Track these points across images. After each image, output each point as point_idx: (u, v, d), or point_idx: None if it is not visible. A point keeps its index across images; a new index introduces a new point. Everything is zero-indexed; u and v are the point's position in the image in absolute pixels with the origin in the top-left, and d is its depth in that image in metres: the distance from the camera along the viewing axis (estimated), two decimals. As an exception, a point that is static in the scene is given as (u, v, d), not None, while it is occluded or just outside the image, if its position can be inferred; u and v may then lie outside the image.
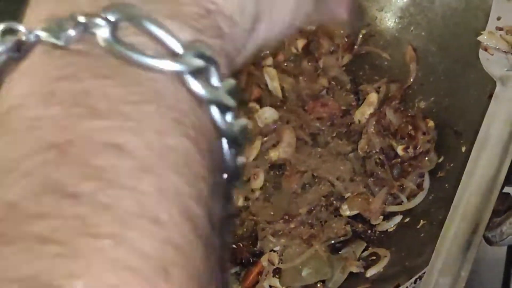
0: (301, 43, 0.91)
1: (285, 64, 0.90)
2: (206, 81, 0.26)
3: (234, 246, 0.75)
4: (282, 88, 0.89)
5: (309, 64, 0.90)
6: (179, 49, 0.25)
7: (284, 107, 0.87)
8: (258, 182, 0.80)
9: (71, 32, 0.25)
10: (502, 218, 0.60)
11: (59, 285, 0.20)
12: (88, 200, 0.22)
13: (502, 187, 0.63)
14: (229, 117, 0.27)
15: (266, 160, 0.81)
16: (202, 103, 0.26)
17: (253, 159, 0.81)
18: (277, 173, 0.81)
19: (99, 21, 0.25)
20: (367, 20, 0.92)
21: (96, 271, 0.21)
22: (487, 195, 0.62)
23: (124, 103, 0.24)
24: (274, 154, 0.82)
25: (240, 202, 0.79)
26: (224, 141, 0.27)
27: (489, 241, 0.61)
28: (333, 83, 0.89)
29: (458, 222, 0.61)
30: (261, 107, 0.87)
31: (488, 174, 0.63)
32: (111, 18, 0.25)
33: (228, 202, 0.27)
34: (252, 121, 0.85)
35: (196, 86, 0.26)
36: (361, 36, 0.91)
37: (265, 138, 0.83)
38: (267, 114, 0.86)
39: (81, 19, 0.25)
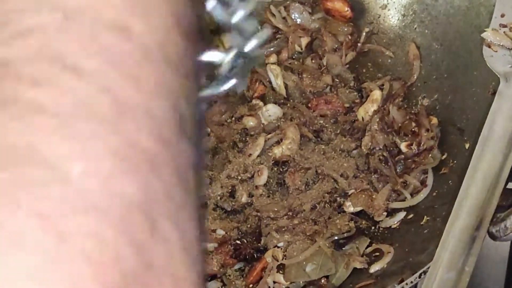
0: (305, 41, 0.92)
1: (289, 62, 0.90)
2: None
3: (238, 242, 0.76)
4: (286, 86, 0.89)
5: (313, 61, 0.90)
6: None
7: (288, 104, 0.87)
8: (262, 178, 0.80)
9: None
10: (506, 213, 0.60)
11: (55, 164, 0.20)
12: (89, 79, 0.21)
13: (506, 183, 0.63)
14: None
15: (270, 157, 0.82)
16: None
17: (257, 156, 0.82)
18: (281, 169, 0.82)
19: None
20: (370, 18, 0.92)
21: (93, 156, 0.20)
22: (491, 191, 0.62)
23: None
24: (278, 151, 0.82)
25: (244, 199, 0.80)
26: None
27: (493, 236, 0.61)
28: (337, 80, 0.89)
29: (463, 217, 0.62)
30: (265, 104, 0.87)
31: (492, 170, 0.63)
32: None
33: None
34: (256, 118, 0.85)
35: None
36: (364, 34, 0.91)
37: (268, 135, 0.84)
38: (271, 111, 0.86)
39: None
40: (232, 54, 0.28)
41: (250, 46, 0.29)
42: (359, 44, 0.91)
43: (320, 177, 0.80)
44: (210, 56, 0.28)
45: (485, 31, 0.73)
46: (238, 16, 0.28)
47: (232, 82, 0.29)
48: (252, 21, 0.29)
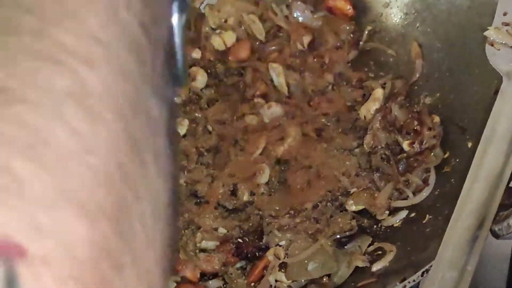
0: (306, 39, 0.91)
1: (291, 60, 0.90)
2: None
3: (240, 240, 0.76)
4: (288, 84, 0.89)
5: (315, 60, 0.90)
6: None
7: (290, 103, 0.87)
8: (263, 177, 0.80)
9: None
10: (509, 212, 0.60)
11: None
12: (8, 3, 0.22)
13: (508, 182, 0.63)
14: None
15: (271, 155, 0.82)
16: None
17: (259, 154, 0.82)
18: (283, 168, 0.81)
19: None
20: (373, 16, 0.92)
21: (17, 61, 0.22)
22: (494, 190, 0.62)
23: None
24: (279, 149, 0.82)
25: (246, 197, 0.79)
26: None
27: (495, 235, 0.61)
28: (339, 79, 0.89)
29: (465, 216, 0.62)
30: (266, 102, 0.87)
31: (494, 169, 0.63)
32: None
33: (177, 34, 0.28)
34: (258, 116, 0.85)
35: None
36: (366, 32, 0.91)
37: (270, 134, 0.83)
38: (273, 110, 0.86)
39: None
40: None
41: None
42: (361, 43, 0.91)
43: (322, 175, 0.79)
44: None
45: (487, 29, 0.73)
46: None
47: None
48: None
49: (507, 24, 0.71)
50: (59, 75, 0.22)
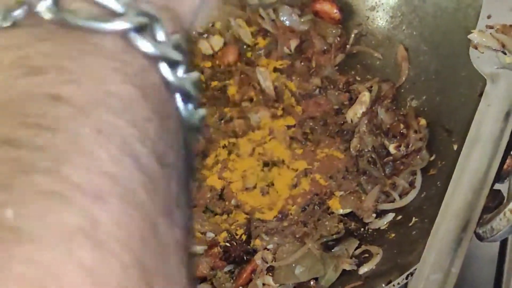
0: (293, 43, 0.92)
1: (278, 64, 0.90)
2: (151, 38, 0.27)
3: (227, 244, 0.76)
4: (275, 88, 0.89)
5: (302, 63, 0.90)
6: (120, 9, 0.26)
7: (277, 107, 0.87)
8: (251, 180, 0.80)
9: (17, 13, 0.25)
10: (493, 214, 0.60)
11: None
12: (23, 144, 0.22)
13: (493, 184, 0.63)
14: (180, 72, 0.27)
15: (259, 159, 0.82)
16: (150, 59, 0.26)
17: (246, 158, 0.82)
18: (270, 171, 0.81)
19: None
20: (359, 19, 0.92)
21: (27, 200, 0.21)
22: (478, 192, 0.62)
23: (64, 59, 0.24)
24: (267, 153, 0.82)
25: (234, 201, 0.80)
26: (178, 96, 0.28)
27: (479, 237, 0.61)
28: (326, 82, 0.89)
29: (449, 218, 0.62)
30: (254, 106, 0.87)
31: (479, 171, 0.63)
32: None
33: (189, 151, 0.28)
34: (245, 120, 0.86)
35: (141, 42, 0.26)
36: (353, 35, 0.91)
37: (258, 137, 0.83)
38: (260, 113, 0.86)
39: None
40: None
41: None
42: (348, 46, 0.91)
43: (309, 178, 0.80)
44: None
45: (472, 32, 0.73)
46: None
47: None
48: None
49: (491, 27, 0.72)
50: (68, 213, 0.21)
